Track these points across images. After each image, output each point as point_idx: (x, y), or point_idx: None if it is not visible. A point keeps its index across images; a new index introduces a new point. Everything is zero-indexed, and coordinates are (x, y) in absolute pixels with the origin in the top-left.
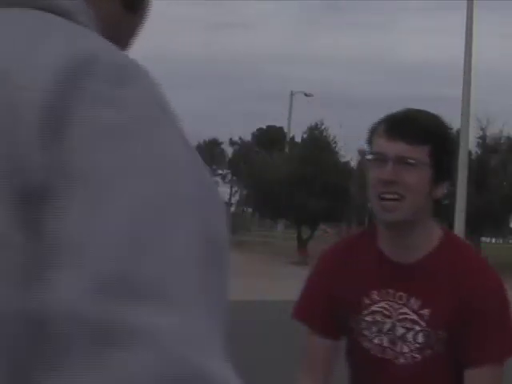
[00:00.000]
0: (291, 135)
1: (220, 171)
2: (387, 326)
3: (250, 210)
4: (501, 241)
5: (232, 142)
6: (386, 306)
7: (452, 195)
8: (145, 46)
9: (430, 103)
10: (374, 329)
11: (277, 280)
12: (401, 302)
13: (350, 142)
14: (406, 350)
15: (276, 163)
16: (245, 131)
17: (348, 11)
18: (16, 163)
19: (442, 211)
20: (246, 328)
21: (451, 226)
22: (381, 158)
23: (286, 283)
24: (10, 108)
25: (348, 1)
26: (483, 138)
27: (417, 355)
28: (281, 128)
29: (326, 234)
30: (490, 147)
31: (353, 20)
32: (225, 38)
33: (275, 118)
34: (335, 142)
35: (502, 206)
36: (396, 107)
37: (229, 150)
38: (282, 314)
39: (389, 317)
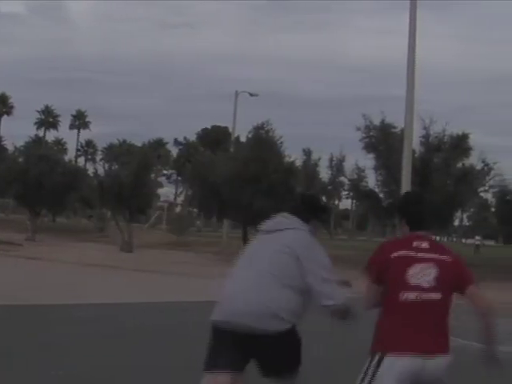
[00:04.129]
0: (236, 135)
1: (165, 171)
2: None
3: (195, 210)
4: (445, 239)
5: (177, 142)
6: None
7: (396, 194)
8: (93, 47)
9: (376, 103)
10: None
11: (224, 280)
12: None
13: (297, 142)
14: None
15: (221, 163)
16: (190, 131)
17: (294, 11)
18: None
19: (386, 210)
20: (198, 328)
21: (396, 224)
22: None
23: None
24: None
25: (294, 1)
26: (426, 137)
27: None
28: (226, 128)
29: None
30: (433, 146)
31: (299, 20)
32: (170, 38)
33: (220, 117)
34: (281, 142)
35: (446, 204)
36: (342, 107)
37: (174, 150)
38: None
39: None
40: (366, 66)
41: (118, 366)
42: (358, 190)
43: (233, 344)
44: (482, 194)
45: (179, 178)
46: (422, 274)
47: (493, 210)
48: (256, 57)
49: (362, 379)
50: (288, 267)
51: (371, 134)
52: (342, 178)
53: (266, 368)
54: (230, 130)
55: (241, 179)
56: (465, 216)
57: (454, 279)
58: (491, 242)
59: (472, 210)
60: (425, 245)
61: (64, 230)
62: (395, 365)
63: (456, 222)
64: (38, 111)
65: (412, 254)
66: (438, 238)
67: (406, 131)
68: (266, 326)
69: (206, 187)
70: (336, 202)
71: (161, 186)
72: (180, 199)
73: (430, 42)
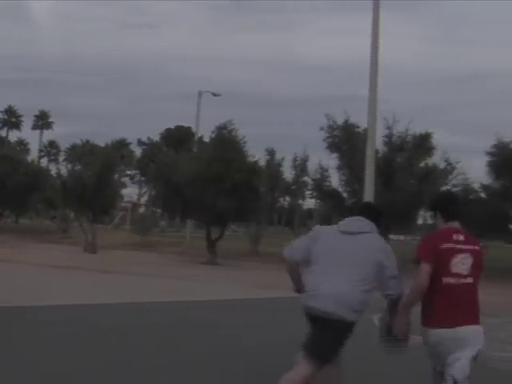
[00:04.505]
0: (199, 135)
1: (128, 172)
2: None
3: (159, 210)
4: (409, 237)
5: (140, 143)
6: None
7: (359, 193)
8: (55, 47)
9: (339, 103)
10: None
11: (187, 280)
12: None
13: (260, 142)
14: None
15: (184, 163)
16: (153, 131)
17: (257, 11)
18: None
19: (350, 209)
20: (167, 329)
21: None
22: None
23: (197, 284)
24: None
25: (257, 1)
26: (390, 136)
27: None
28: (189, 128)
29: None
30: (396, 145)
31: (262, 20)
32: (132, 38)
33: (183, 117)
34: (244, 142)
35: (410, 202)
36: (306, 107)
37: (137, 151)
38: (185, 314)
39: None
40: (330, 65)
41: (94, 368)
42: (322, 189)
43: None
44: None
45: (143, 179)
46: (462, 262)
47: None
48: (219, 57)
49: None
50: (368, 267)
51: (334, 133)
52: (306, 178)
53: (312, 345)
54: (194, 129)
55: (204, 179)
56: (428, 215)
57: (479, 266)
58: None
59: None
60: (461, 237)
61: (27, 231)
62: (445, 336)
63: (419, 221)
64: (1, 111)
65: (453, 246)
66: (401, 236)
67: (369, 131)
68: (342, 314)
69: (170, 187)
70: (300, 202)
71: (124, 186)
72: (144, 199)
73: (393, 41)
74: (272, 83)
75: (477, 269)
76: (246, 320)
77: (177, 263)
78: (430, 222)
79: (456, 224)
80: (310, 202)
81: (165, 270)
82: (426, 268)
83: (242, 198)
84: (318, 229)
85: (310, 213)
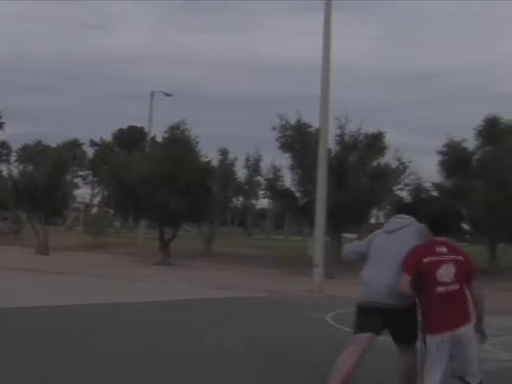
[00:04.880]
0: (152, 135)
1: (81, 172)
2: None
3: (112, 211)
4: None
5: (93, 143)
6: None
7: (312, 193)
8: (5, 46)
9: (292, 103)
10: None
11: (141, 281)
12: None
13: (213, 142)
14: None
15: (137, 163)
16: (105, 132)
17: (211, 11)
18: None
19: (303, 209)
20: (121, 330)
21: (312, 222)
22: None
23: (150, 284)
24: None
25: (211, 1)
26: (342, 136)
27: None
28: (141, 128)
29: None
30: (348, 145)
31: (215, 20)
32: (85, 38)
33: (136, 118)
34: (197, 142)
35: (362, 202)
36: (259, 107)
37: (89, 151)
38: (139, 315)
39: None
40: (283, 65)
41: (51, 371)
42: (275, 189)
43: (378, 316)
44: (397, 192)
45: (95, 179)
46: (446, 272)
47: None
48: (172, 57)
49: (423, 355)
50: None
51: (287, 133)
52: (259, 178)
53: (397, 336)
54: (146, 130)
55: (157, 179)
56: (381, 214)
57: (466, 274)
58: None
59: (388, 207)
60: (444, 249)
61: None
62: (438, 340)
63: (372, 220)
64: None
65: (436, 258)
66: (354, 235)
67: (322, 130)
68: (397, 301)
69: (122, 188)
70: (253, 202)
71: (77, 187)
72: (96, 200)
73: (345, 41)
74: (225, 83)
75: (462, 277)
76: (199, 320)
77: (130, 264)
78: (382, 221)
79: (442, 238)
80: (263, 202)
81: (118, 270)
82: (405, 278)
83: (195, 198)
84: (376, 232)
85: (263, 213)
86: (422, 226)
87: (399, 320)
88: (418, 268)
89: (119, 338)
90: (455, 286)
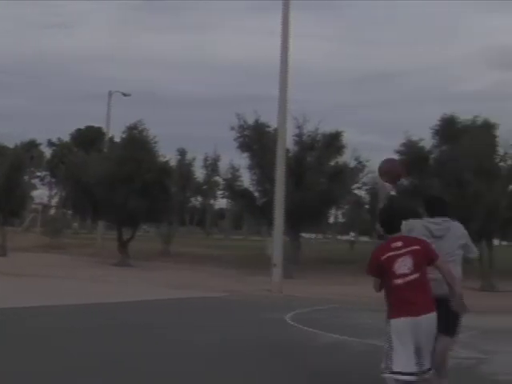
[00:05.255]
0: (110, 135)
1: (38, 173)
2: None
3: (70, 212)
4: (320, 236)
5: (50, 143)
6: None
7: (270, 193)
8: None
9: (250, 103)
10: None
11: (98, 282)
12: None
13: (172, 142)
14: None
15: (95, 163)
16: (63, 132)
17: (170, 11)
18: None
19: (261, 209)
20: (81, 331)
21: (271, 222)
22: None
23: (108, 285)
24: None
25: (170, 1)
26: (300, 136)
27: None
28: (99, 128)
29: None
30: (306, 145)
31: (174, 20)
32: (44, 37)
33: (95, 118)
34: (155, 142)
35: (320, 201)
36: (217, 107)
37: (47, 152)
38: (97, 316)
39: None
40: (242, 66)
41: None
42: (233, 189)
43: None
44: (355, 191)
45: (53, 180)
46: (403, 264)
47: (366, 206)
48: (131, 57)
49: (386, 339)
50: (459, 251)
51: (245, 133)
52: (217, 178)
53: (441, 325)
54: (104, 130)
55: (115, 179)
56: (339, 213)
57: (426, 259)
58: (366, 238)
59: (346, 207)
60: (399, 244)
61: None
62: (400, 326)
63: (331, 219)
64: None
65: (393, 254)
66: (313, 235)
67: (280, 130)
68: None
69: (80, 188)
70: (211, 202)
71: (34, 187)
72: (54, 201)
73: (303, 41)
74: (184, 83)
75: (421, 265)
76: (160, 321)
77: (88, 265)
78: (341, 220)
79: (396, 234)
80: (221, 202)
81: (75, 272)
82: (373, 279)
83: (153, 198)
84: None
85: (221, 213)
86: (459, 225)
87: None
88: (378, 268)
89: (81, 341)
90: (415, 276)
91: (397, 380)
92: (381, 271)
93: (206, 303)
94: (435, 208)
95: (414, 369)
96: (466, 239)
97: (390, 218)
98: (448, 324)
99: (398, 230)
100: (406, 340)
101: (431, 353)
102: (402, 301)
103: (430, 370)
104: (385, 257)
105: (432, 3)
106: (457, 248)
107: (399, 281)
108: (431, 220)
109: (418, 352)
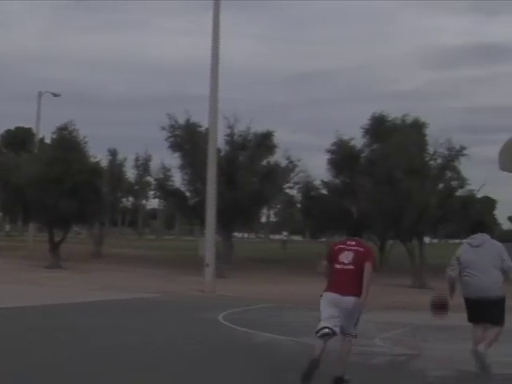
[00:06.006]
0: (40, 136)
1: None
2: None
3: (1, 213)
4: (253, 235)
5: None
6: None
7: (202, 192)
8: None
9: (181, 102)
10: None
11: (29, 285)
12: None
13: (103, 142)
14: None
15: (25, 164)
16: None
17: (100, 11)
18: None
19: (193, 209)
20: (11, 335)
21: (203, 222)
22: None
23: (39, 288)
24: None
25: (100, 1)
26: (231, 135)
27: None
28: (29, 129)
29: (79, 236)
30: (238, 144)
31: (104, 20)
32: None
33: (25, 118)
34: (85, 142)
35: (252, 201)
36: (149, 107)
37: None
38: (27, 320)
39: None
40: (173, 65)
41: None
42: (165, 189)
43: (483, 307)
44: (287, 191)
45: None
46: (346, 256)
47: (298, 205)
48: (60, 57)
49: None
50: (498, 261)
51: (176, 133)
52: (149, 178)
53: (490, 318)
54: (34, 130)
55: (45, 180)
56: (272, 212)
57: (361, 259)
58: (298, 238)
59: (278, 206)
60: (352, 243)
61: None
62: (328, 296)
63: (263, 219)
64: None
65: (344, 247)
66: (245, 234)
67: (211, 130)
68: (496, 294)
69: (10, 189)
70: (143, 202)
71: None
72: None
73: (235, 41)
74: (115, 83)
75: (357, 261)
76: (88, 323)
77: (18, 267)
78: (273, 219)
79: (355, 238)
80: (153, 202)
81: (5, 274)
82: (323, 262)
83: (84, 199)
84: (460, 250)
85: (153, 213)
86: (495, 241)
87: (492, 307)
88: (330, 255)
89: (7, 345)
90: (350, 267)
91: (321, 335)
92: (331, 257)
93: (138, 304)
94: (475, 228)
95: (331, 324)
96: (502, 252)
97: (356, 228)
98: (495, 317)
99: (360, 235)
100: (331, 307)
101: (351, 327)
102: (335, 281)
103: (352, 336)
104: (337, 247)
105: (367, 3)
106: (497, 255)
107: (339, 266)
108: (472, 236)
109: (339, 320)
